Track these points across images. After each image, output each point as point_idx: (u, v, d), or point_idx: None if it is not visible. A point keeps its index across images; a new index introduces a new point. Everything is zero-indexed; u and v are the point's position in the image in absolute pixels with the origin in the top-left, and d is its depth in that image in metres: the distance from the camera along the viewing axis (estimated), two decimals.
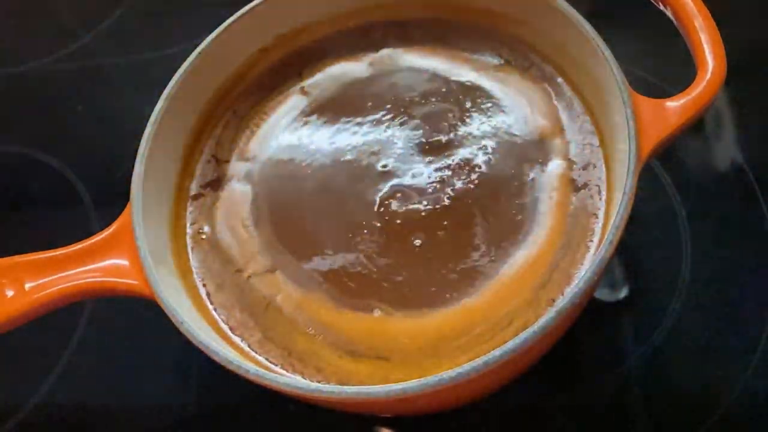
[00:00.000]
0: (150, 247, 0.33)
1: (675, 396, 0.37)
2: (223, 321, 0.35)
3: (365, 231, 0.35)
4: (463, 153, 0.37)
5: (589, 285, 0.29)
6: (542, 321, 0.28)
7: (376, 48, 0.42)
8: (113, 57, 0.56)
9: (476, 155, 0.37)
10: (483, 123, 0.38)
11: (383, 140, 0.38)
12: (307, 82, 0.42)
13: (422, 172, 0.37)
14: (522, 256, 0.34)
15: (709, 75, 0.32)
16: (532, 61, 0.40)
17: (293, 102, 0.41)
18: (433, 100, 0.39)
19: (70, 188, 0.49)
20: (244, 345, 0.34)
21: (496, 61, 0.40)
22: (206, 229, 0.38)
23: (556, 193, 0.35)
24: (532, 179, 0.36)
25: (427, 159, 0.37)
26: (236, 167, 0.40)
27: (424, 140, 0.38)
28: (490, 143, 0.37)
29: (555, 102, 0.38)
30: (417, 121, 0.38)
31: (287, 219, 0.37)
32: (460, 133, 0.38)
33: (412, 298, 0.34)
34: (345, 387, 0.31)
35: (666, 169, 0.43)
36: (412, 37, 0.42)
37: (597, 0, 0.50)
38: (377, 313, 0.34)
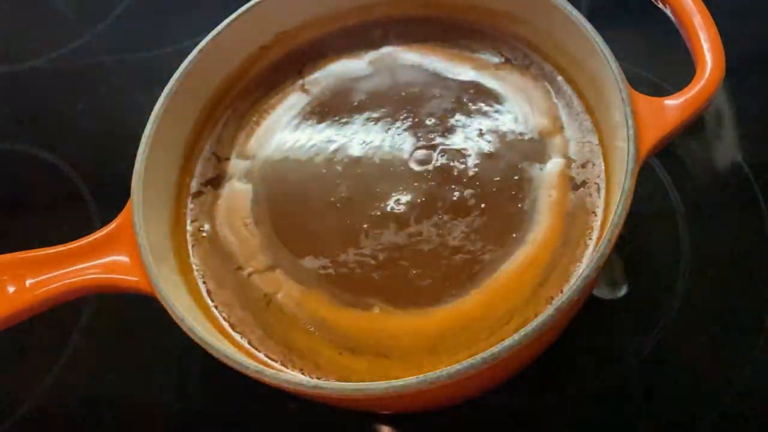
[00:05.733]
0: (150, 244, 0.33)
1: (673, 394, 0.37)
2: (223, 318, 0.35)
3: (364, 229, 0.35)
4: (462, 151, 0.37)
5: (587, 283, 0.29)
6: (541, 318, 0.28)
7: (377, 46, 0.42)
8: (114, 55, 0.56)
9: (476, 153, 0.37)
10: (483, 121, 0.38)
11: (383, 138, 0.38)
12: (308, 80, 0.42)
13: (421, 170, 0.37)
14: (521, 253, 0.34)
15: (707, 73, 0.32)
16: (532, 59, 0.40)
17: (293, 100, 0.41)
18: (433, 98, 0.39)
19: (71, 186, 0.49)
20: (244, 342, 0.34)
21: (496, 59, 0.40)
22: (207, 226, 0.38)
23: (555, 191, 0.35)
24: (531, 177, 0.36)
25: (427, 157, 0.37)
26: (237, 165, 0.40)
27: (423, 138, 0.38)
28: (489, 141, 0.37)
29: (555, 100, 0.38)
30: (417, 119, 0.38)
31: (287, 217, 0.37)
32: (459, 131, 0.38)
33: (412, 295, 0.34)
34: (345, 383, 0.31)
35: (665, 167, 0.43)
36: (413, 36, 0.42)
37: None
38: (377, 310, 0.34)
